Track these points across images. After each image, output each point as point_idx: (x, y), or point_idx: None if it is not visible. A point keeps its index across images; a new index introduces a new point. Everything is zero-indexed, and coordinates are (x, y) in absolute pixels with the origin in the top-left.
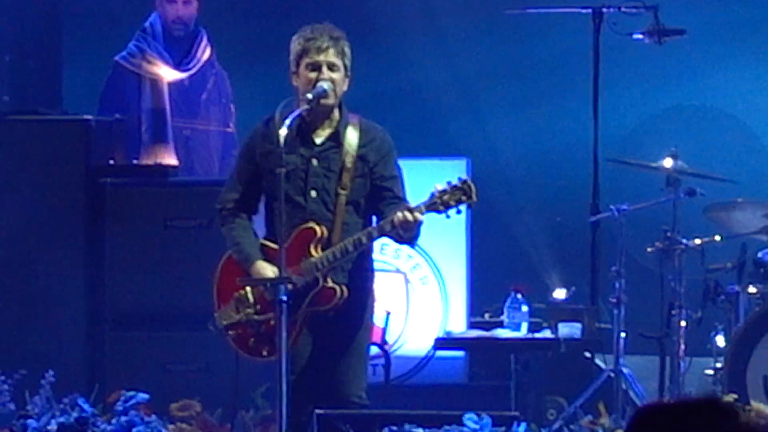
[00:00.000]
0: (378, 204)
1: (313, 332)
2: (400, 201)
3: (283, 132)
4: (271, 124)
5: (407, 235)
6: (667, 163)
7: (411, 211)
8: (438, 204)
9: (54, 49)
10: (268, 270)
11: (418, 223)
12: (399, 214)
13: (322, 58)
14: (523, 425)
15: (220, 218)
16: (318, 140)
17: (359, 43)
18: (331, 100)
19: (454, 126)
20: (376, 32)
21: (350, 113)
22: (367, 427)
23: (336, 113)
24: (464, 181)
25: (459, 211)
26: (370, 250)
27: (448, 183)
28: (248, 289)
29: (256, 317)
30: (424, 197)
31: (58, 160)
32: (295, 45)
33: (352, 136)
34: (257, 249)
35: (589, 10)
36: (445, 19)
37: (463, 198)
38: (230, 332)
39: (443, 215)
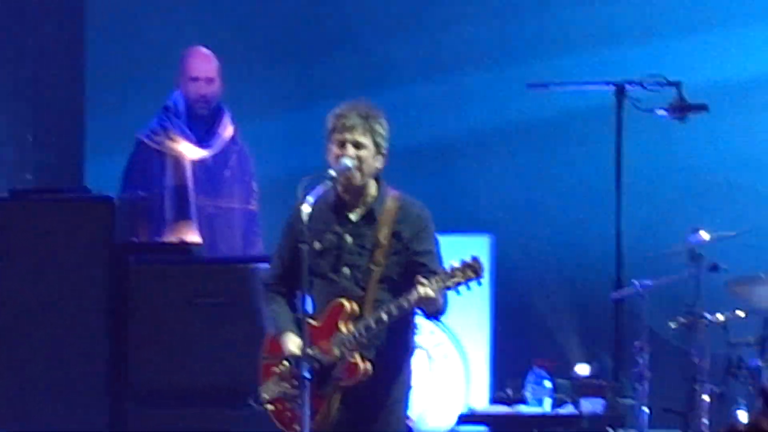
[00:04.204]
0: (413, 280)
1: (348, 407)
2: (434, 275)
3: (306, 208)
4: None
5: (429, 309)
6: (691, 239)
7: (425, 285)
8: (448, 280)
9: (76, 127)
10: (291, 342)
11: (435, 299)
12: (415, 291)
13: (347, 135)
14: None
15: (263, 294)
16: (353, 217)
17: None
18: (356, 178)
19: (478, 198)
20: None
21: (391, 189)
22: None
23: (372, 190)
24: (475, 260)
25: (468, 288)
26: (408, 327)
27: (461, 261)
28: (287, 364)
29: (294, 391)
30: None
31: (82, 238)
32: (328, 121)
33: (388, 213)
34: (289, 322)
35: (612, 87)
36: (465, 81)
37: (472, 275)
38: (269, 406)
39: (454, 291)
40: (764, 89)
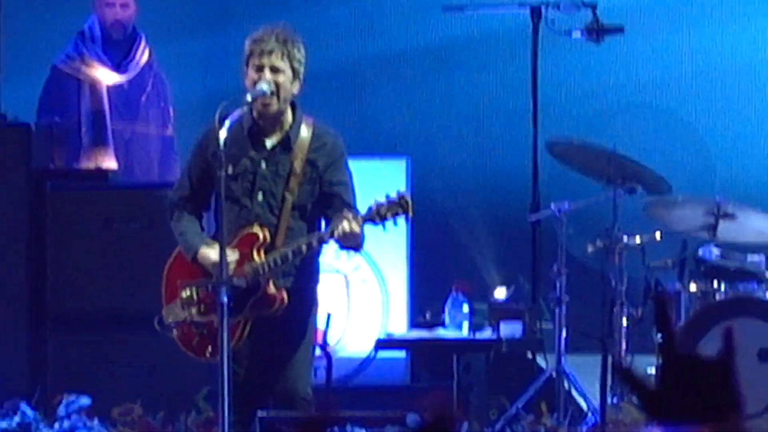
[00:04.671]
0: (326, 209)
1: (257, 334)
2: (349, 207)
3: (222, 133)
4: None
5: (349, 243)
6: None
7: (350, 221)
8: (375, 216)
9: None
10: (213, 254)
11: (357, 234)
12: (340, 225)
13: (265, 60)
14: (465, 425)
15: (169, 213)
16: (268, 143)
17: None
18: (273, 103)
19: (393, 122)
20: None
21: (305, 116)
22: (309, 428)
23: (288, 116)
24: (401, 196)
25: (396, 224)
26: (316, 252)
27: (387, 197)
28: (193, 288)
29: (200, 317)
30: (363, 208)
31: None
32: (245, 46)
33: (303, 141)
34: (202, 239)
35: (527, 9)
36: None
37: (400, 211)
38: (175, 330)
39: (380, 227)
40: (679, 10)
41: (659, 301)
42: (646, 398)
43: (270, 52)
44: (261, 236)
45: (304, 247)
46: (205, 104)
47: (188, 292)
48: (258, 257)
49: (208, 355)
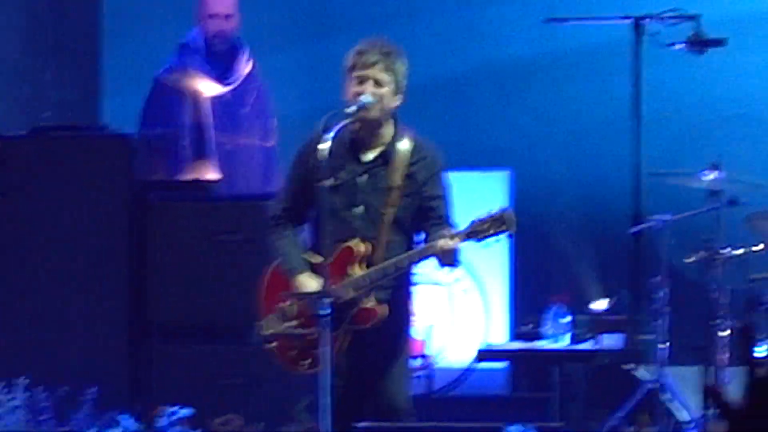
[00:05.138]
0: (423, 223)
1: (355, 348)
2: (445, 221)
3: (324, 145)
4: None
5: (447, 260)
6: (710, 174)
7: (450, 238)
8: (476, 233)
9: (94, 65)
10: (311, 282)
11: (454, 251)
12: (438, 242)
13: (368, 72)
14: None
15: (269, 227)
16: (368, 156)
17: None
18: (374, 115)
19: (494, 134)
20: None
21: (406, 129)
22: None
23: (389, 129)
24: (503, 212)
25: (497, 241)
26: (412, 268)
27: (488, 213)
28: (291, 301)
29: (298, 329)
30: (465, 224)
31: (101, 176)
32: (347, 58)
33: (403, 154)
34: (302, 261)
35: (630, 21)
36: (486, 26)
37: (501, 228)
38: (272, 343)
39: (481, 244)
40: None
41: (745, 330)
42: (733, 419)
43: (373, 65)
44: (361, 249)
45: (403, 263)
46: (307, 116)
47: (288, 305)
48: (358, 270)
49: (304, 368)
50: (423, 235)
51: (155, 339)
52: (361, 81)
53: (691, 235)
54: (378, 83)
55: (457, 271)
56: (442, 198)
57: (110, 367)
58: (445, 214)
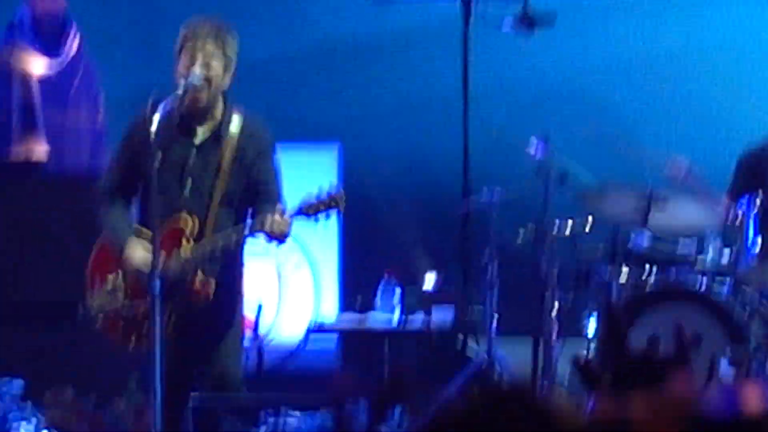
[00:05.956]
0: (253, 199)
1: (184, 323)
2: (276, 198)
3: (154, 122)
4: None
5: (276, 236)
6: (537, 148)
7: (279, 215)
8: (307, 211)
9: None
10: (139, 252)
11: (286, 228)
12: (269, 218)
13: (198, 49)
14: (398, 408)
15: (99, 203)
16: (199, 134)
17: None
18: (204, 93)
19: (325, 110)
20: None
21: (235, 106)
22: (243, 410)
23: (218, 107)
24: (333, 191)
25: (328, 217)
26: (243, 243)
27: (318, 191)
28: (119, 275)
29: (125, 305)
30: (296, 200)
31: None
32: (179, 35)
33: (233, 132)
34: (131, 233)
35: (457, 1)
36: (316, 6)
37: (332, 205)
38: (100, 319)
39: (312, 221)
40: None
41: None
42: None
43: (204, 42)
44: (190, 225)
45: (232, 239)
46: (136, 95)
47: (115, 280)
48: (186, 246)
49: (133, 342)
50: (253, 211)
51: None
52: (192, 57)
53: (522, 211)
54: (208, 60)
55: (288, 246)
56: (272, 174)
57: None
58: (275, 190)
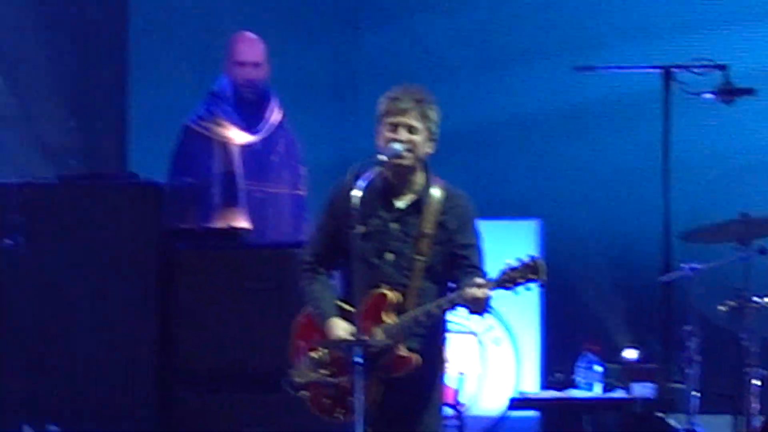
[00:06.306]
0: (454, 271)
1: (388, 396)
2: (476, 270)
3: (357, 192)
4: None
5: (477, 309)
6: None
7: (481, 287)
8: (507, 281)
9: (121, 112)
10: (343, 328)
11: (487, 299)
12: (469, 290)
13: (400, 119)
14: None
15: (300, 274)
16: (399, 204)
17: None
18: (406, 162)
19: (524, 184)
20: (436, 72)
21: (436, 178)
22: None
23: (420, 177)
24: (534, 260)
25: (528, 288)
26: (445, 316)
27: (518, 260)
28: (324, 349)
29: (330, 378)
30: (495, 273)
31: (130, 224)
32: (380, 105)
33: (434, 202)
34: (334, 307)
35: (659, 70)
36: (511, 66)
37: (532, 276)
38: (304, 391)
39: (512, 292)
40: None
41: None
42: None
43: (405, 111)
44: (393, 297)
45: (434, 311)
46: (337, 165)
47: (319, 353)
48: (388, 319)
49: (338, 416)
50: (454, 284)
51: (183, 387)
52: (395, 127)
53: (722, 283)
54: (411, 130)
55: (489, 320)
56: (474, 246)
57: (137, 415)
58: (477, 262)
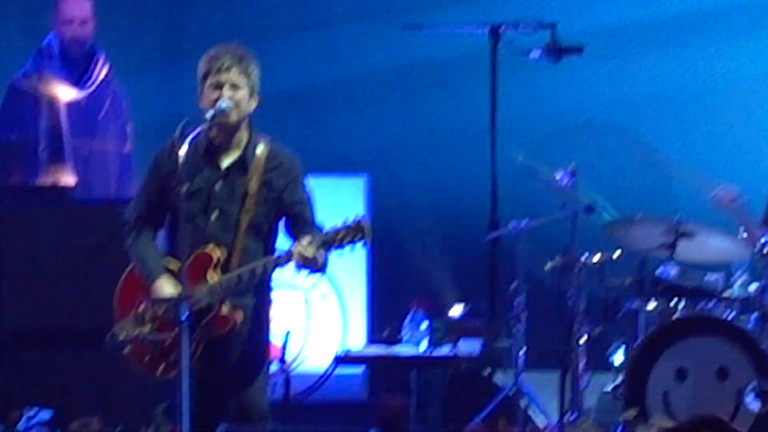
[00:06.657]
0: (290, 229)
1: (211, 353)
2: (310, 226)
3: (182, 151)
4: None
5: (307, 266)
6: (566, 180)
7: (306, 246)
8: (333, 242)
9: None
10: (168, 287)
11: (314, 259)
12: (295, 250)
13: (223, 77)
14: None
15: (125, 233)
16: (224, 163)
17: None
18: (232, 119)
19: (352, 141)
20: (264, 32)
21: (260, 135)
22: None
23: (243, 135)
24: (359, 222)
25: (353, 249)
26: (271, 274)
27: (344, 222)
28: (147, 305)
29: (153, 335)
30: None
31: None
32: (201, 65)
33: (258, 160)
34: (159, 266)
35: (486, 29)
36: (339, 25)
37: (357, 236)
38: (127, 347)
39: (337, 252)
40: (637, 32)
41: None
42: None
43: (227, 69)
44: (217, 256)
45: (259, 270)
46: (163, 122)
47: (143, 309)
48: (213, 277)
49: (160, 372)
50: (292, 241)
51: (10, 343)
52: (217, 86)
53: (549, 242)
54: (234, 87)
55: (315, 277)
56: (306, 203)
57: None
58: (309, 217)
